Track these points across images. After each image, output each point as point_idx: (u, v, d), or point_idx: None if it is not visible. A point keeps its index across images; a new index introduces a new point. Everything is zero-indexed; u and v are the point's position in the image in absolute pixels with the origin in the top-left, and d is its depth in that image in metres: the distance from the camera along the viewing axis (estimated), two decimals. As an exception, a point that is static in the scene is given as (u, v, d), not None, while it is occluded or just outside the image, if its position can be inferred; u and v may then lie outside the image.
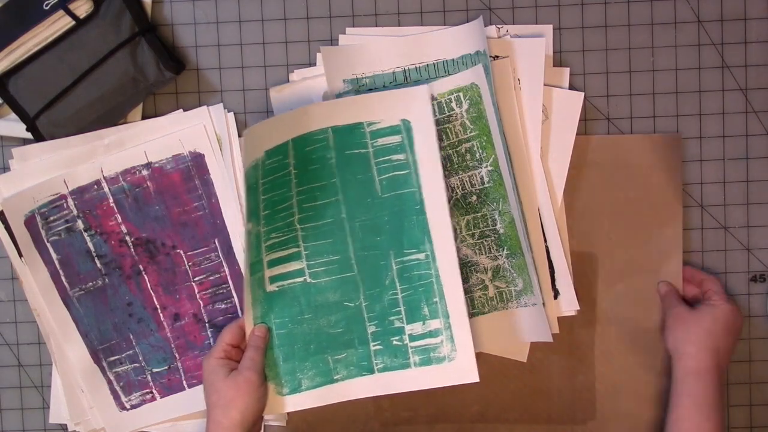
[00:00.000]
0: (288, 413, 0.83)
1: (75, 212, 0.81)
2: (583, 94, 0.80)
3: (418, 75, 0.79)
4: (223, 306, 0.82)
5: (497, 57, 0.79)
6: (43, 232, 0.81)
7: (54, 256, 0.81)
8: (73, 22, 0.78)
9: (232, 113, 0.81)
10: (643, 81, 0.81)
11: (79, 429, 0.83)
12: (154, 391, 0.83)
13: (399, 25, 0.81)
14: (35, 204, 0.81)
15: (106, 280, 0.82)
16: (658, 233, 0.81)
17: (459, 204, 0.80)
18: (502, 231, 0.79)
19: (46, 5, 0.78)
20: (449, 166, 0.79)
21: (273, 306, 0.76)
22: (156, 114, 0.82)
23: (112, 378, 0.83)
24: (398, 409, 0.83)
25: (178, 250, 0.82)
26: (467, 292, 0.80)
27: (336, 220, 0.75)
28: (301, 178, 0.75)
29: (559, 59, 0.81)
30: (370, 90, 0.79)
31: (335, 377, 0.75)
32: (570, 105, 0.80)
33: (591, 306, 0.81)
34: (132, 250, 0.82)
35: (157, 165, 0.81)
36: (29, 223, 0.81)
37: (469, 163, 0.79)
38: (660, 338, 0.80)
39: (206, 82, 0.82)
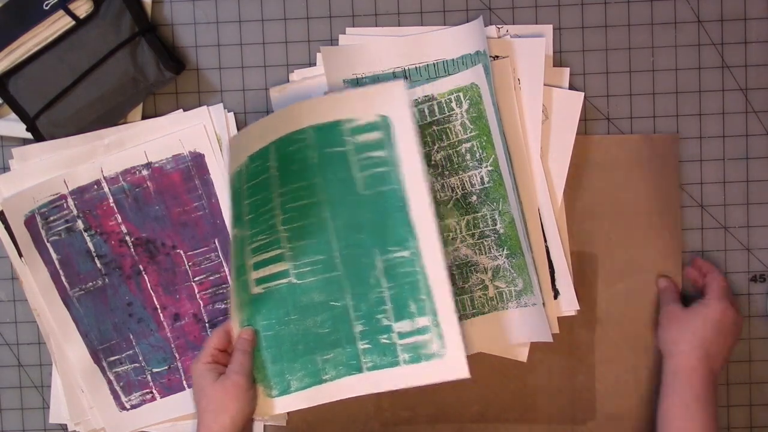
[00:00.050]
0: (288, 413, 0.83)
1: (75, 212, 0.81)
2: (583, 94, 0.80)
3: (418, 75, 0.79)
4: (223, 306, 0.82)
5: (497, 57, 0.79)
6: (43, 232, 0.81)
7: (54, 256, 0.81)
8: (73, 22, 0.78)
9: (232, 113, 0.81)
10: (643, 81, 0.81)
11: (79, 429, 0.83)
12: (154, 391, 0.83)
13: (399, 25, 0.81)
14: (35, 204, 0.81)
15: (106, 280, 0.82)
16: (658, 233, 0.81)
17: (459, 204, 0.80)
18: (502, 231, 0.79)
19: (46, 5, 0.78)
20: (449, 166, 0.79)
21: (259, 308, 0.75)
22: (156, 114, 0.82)
23: (112, 378, 0.83)
24: (398, 409, 0.83)
25: (178, 250, 0.82)
26: (467, 292, 0.80)
27: (319, 220, 0.74)
28: (283, 180, 0.74)
29: (559, 59, 0.81)
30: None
31: (324, 377, 0.74)
32: (570, 105, 0.80)
33: (591, 306, 0.81)
34: (132, 250, 0.82)
35: (157, 165, 0.81)
36: (29, 223, 0.81)
37: (469, 163, 0.79)
38: (654, 336, 0.80)
39: (206, 82, 0.82)
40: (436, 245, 0.72)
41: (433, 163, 0.79)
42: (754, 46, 0.80)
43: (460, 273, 0.80)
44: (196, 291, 0.82)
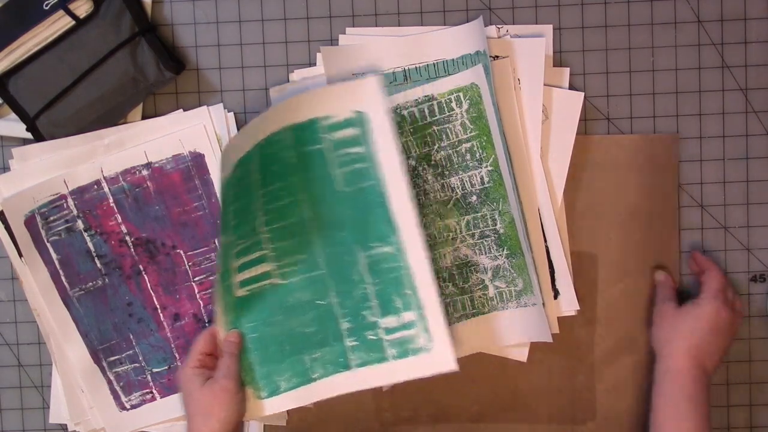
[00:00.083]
0: (288, 414, 0.83)
1: (75, 212, 0.81)
2: (583, 94, 0.80)
3: (418, 75, 0.79)
4: (223, 306, 0.82)
5: (497, 57, 0.79)
6: (43, 232, 0.81)
7: (54, 256, 0.81)
8: (73, 22, 0.78)
9: (232, 113, 0.81)
10: (643, 81, 0.81)
11: (79, 429, 0.83)
12: (154, 391, 0.83)
13: (399, 25, 0.81)
14: (35, 204, 0.81)
15: (106, 280, 0.82)
16: (657, 233, 0.81)
17: (459, 204, 0.80)
18: (502, 231, 0.79)
19: (46, 5, 0.78)
20: (449, 166, 0.79)
21: (244, 311, 0.75)
22: (156, 114, 0.82)
23: (112, 378, 0.83)
24: (398, 409, 0.83)
25: (178, 250, 0.82)
26: (467, 292, 0.80)
27: (300, 220, 0.74)
28: (264, 182, 0.74)
29: (559, 59, 0.81)
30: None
31: (313, 376, 0.74)
32: (570, 105, 0.80)
33: (591, 306, 0.81)
34: (132, 250, 0.82)
35: (157, 165, 0.81)
36: (29, 223, 0.81)
37: (469, 163, 0.79)
38: (648, 334, 0.80)
39: (206, 82, 0.82)
40: (418, 239, 0.71)
41: (433, 163, 0.79)
42: (754, 46, 0.80)
43: (460, 273, 0.80)
44: (196, 291, 0.82)
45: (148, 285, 0.82)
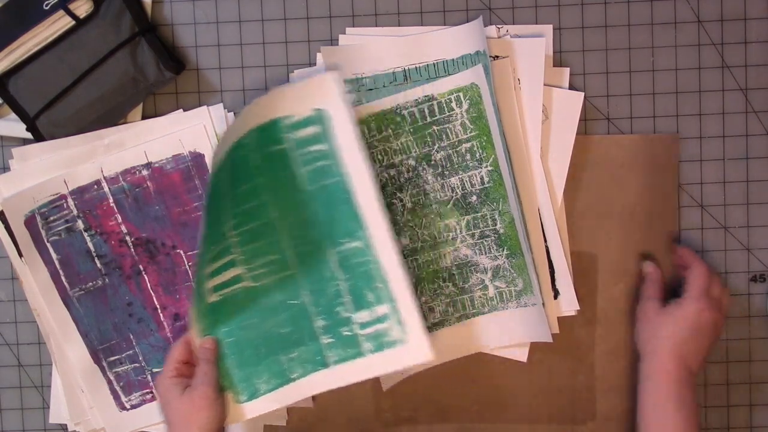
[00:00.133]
0: (288, 414, 0.83)
1: (75, 212, 0.81)
2: (583, 94, 0.80)
3: (418, 75, 0.79)
4: (223, 306, 0.82)
5: (497, 57, 0.79)
6: (43, 232, 0.81)
7: (54, 256, 0.81)
8: (73, 22, 0.78)
9: (232, 113, 0.81)
10: (643, 81, 0.81)
11: (79, 429, 0.83)
12: (155, 391, 0.83)
13: (399, 25, 0.81)
14: (35, 204, 0.81)
15: (106, 280, 0.82)
16: (657, 233, 0.81)
17: (459, 204, 0.80)
18: (502, 231, 0.79)
19: (46, 5, 0.78)
20: (449, 166, 0.79)
21: (218, 316, 0.75)
22: (156, 114, 0.82)
23: (112, 378, 0.83)
24: (398, 409, 0.83)
25: (178, 250, 0.82)
26: (467, 292, 0.80)
27: (267, 221, 0.74)
28: (232, 186, 0.73)
29: (559, 59, 0.81)
30: (370, 90, 0.79)
31: (291, 377, 0.74)
32: (570, 105, 0.80)
33: (591, 306, 0.81)
34: (132, 250, 0.82)
35: (157, 165, 0.81)
36: (29, 223, 0.81)
37: (469, 163, 0.79)
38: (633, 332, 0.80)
39: (206, 82, 0.82)
40: (386, 232, 0.71)
41: (433, 163, 0.79)
42: (754, 46, 0.80)
43: (460, 273, 0.80)
44: (196, 291, 0.82)
45: (148, 285, 0.82)
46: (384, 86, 0.79)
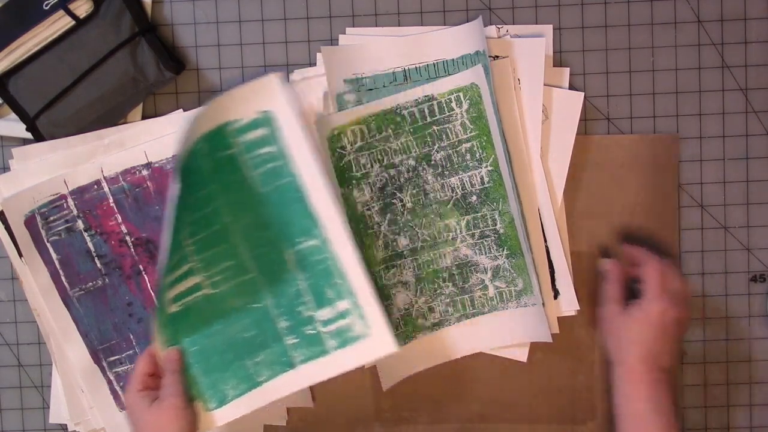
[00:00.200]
0: (288, 414, 0.83)
1: (75, 212, 0.81)
2: (583, 94, 0.80)
3: (418, 75, 0.79)
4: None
5: (497, 57, 0.79)
6: (43, 232, 0.81)
7: (54, 256, 0.81)
8: (73, 22, 0.78)
9: (232, 113, 0.81)
10: (643, 81, 0.81)
11: (79, 429, 0.83)
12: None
13: (399, 25, 0.81)
14: (35, 204, 0.81)
15: (106, 280, 0.82)
16: (657, 233, 0.81)
17: (459, 204, 0.80)
18: (502, 231, 0.79)
19: (46, 5, 0.78)
20: (449, 166, 0.79)
21: (180, 326, 0.75)
22: (156, 114, 0.82)
23: (112, 378, 0.83)
24: (398, 409, 0.83)
25: (178, 250, 0.82)
26: (467, 292, 0.80)
27: (222, 226, 0.74)
28: (186, 195, 0.73)
29: (559, 59, 0.81)
30: (370, 90, 0.79)
31: (259, 380, 0.74)
32: (570, 105, 0.80)
33: (591, 306, 0.81)
34: (132, 250, 0.82)
35: (157, 165, 0.81)
36: (29, 223, 0.81)
37: (469, 163, 0.79)
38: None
39: (206, 82, 0.82)
40: (341, 228, 0.72)
41: (433, 163, 0.79)
42: (754, 46, 0.80)
43: (460, 273, 0.80)
44: (196, 291, 0.82)
45: (148, 285, 0.82)
46: (384, 86, 0.79)
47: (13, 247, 0.81)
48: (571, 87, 0.80)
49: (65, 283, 0.82)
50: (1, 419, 0.85)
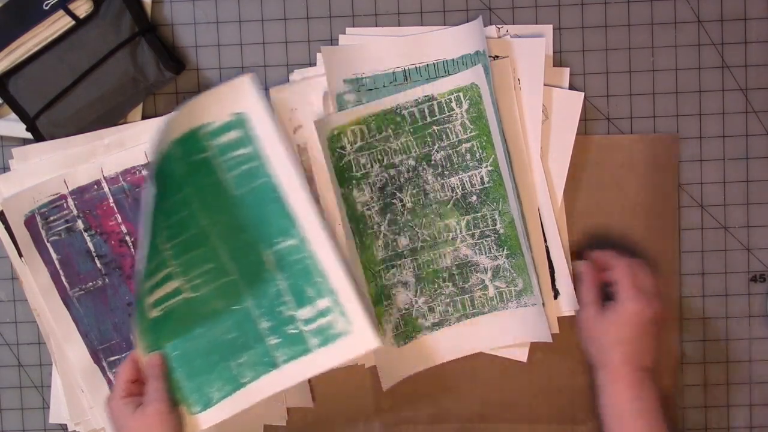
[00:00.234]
0: (288, 414, 0.83)
1: (75, 212, 0.81)
2: (583, 94, 0.80)
3: (418, 75, 0.79)
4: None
5: (497, 57, 0.79)
6: (43, 232, 0.81)
7: (54, 256, 0.81)
8: (73, 22, 0.78)
9: (232, 113, 0.81)
10: (643, 81, 0.81)
11: (79, 429, 0.83)
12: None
13: (399, 25, 0.81)
14: (35, 204, 0.81)
15: (106, 280, 0.82)
16: (657, 233, 0.81)
17: (459, 204, 0.80)
18: (502, 231, 0.79)
19: (46, 5, 0.78)
20: (449, 166, 0.79)
21: (161, 331, 0.75)
22: (156, 114, 0.82)
23: (112, 378, 0.83)
24: (398, 409, 0.83)
25: (178, 250, 0.82)
26: (467, 292, 0.80)
27: (199, 230, 0.74)
28: (161, 200, 0.73)
29: (559, 59, 0.81)
30: (370, 90, 0.79)
31: (243, 381, 0.74)
32: (570, 105, 0.80)
33: (591, 306, 0.81)
34: (132, 250, 0.82)
35: (157, 165, 0.81)
36: (29, 223, 0.81)
37: (469, 163, 0.79)
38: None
39: (206, 82, 0.82)
40: (319, 226, 0.72)
41: (433, 163, 0.79)
42: (754, 46, 0.80)
43: (460, 273, 0.80)
44: (196, 291, 0.82)
45: (148, 285, 0.82)
46: (384, 86, 0.79)
47: (13, 247, 0.81)
48: (571, 87, 0.80)
49: (65, 283, 0.82)
50: (1, 419, 0.85)
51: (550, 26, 0.80)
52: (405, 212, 0.80)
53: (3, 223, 0.81)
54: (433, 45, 0.79)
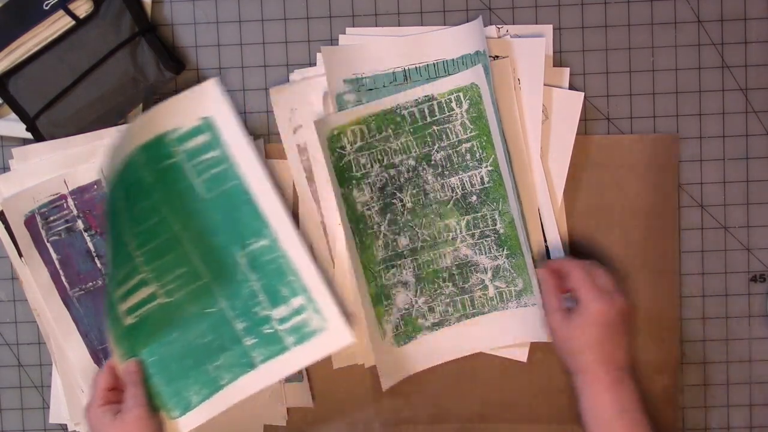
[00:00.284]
0: (288, 414, 0.83)
1: (75, 212, 0.81)
2: (583, 94, 0.80)
3: (418, 75, 0.79)
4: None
5: (497, 57, 0.79)
6: (43, 232, 0.81)
7: (54, 256, 0.81)
8: (73, 22, 0.78)
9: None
10: (643, 81, 0.81)
11: (79, 429, 0.83)
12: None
13: (399, 25, 0.81)
14: (35, 204, 0.81)
15: (107, 280, 0.82)
16: (657, 233, 0.81)
17: (459, 204, 0.80)
18: (502, 231, 0.79)
19: (46, 5, 0.78)
20: (449, 166, 0.79)
21: (137, 337, 0.75)
22: (156, 114, 0.82)
23: (112, 378, 0.83)
24: (398, 409, 0.83)
25: (177, 250, 0.82)
26: (467, 292, 0.80)
27: (171, 235, 0.75)
28: (129, 206, 0.74)
29: (559, 59, 0.81)
30: (370, 90, 0.79)
31: (221, 383, 0.75)
32: (570, 105, 0.80)
33: (591, 306, 0.81)
34: (132, 250, 0.82)
35: (157, 165, 0.81)
36: (29, 223, 0.81)
37: (469, 163, 0.79)
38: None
39: (206, 82, 0.82)
40: (289, 225, 0.74)
41: (433, 163, 0.79)
42: (754, 46, 0.80)
43: (460, 273, 0.80)
44: (196, 291, 0.82)
45: (148, 285, 0.82)
46: (384, 86, 0.79)
47: (13, 247, 0.81)
48: (571, 87, 0.80)
49: (65, 283, 0.82)
50: (1, 419, 0.85)
51: (550, 26, 0.80)
52: (405, 212, 0.80)
53: (3, 223, 0.81)
54: (433, 45, 0.79)
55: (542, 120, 0.79)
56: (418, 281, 0.80)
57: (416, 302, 0.80)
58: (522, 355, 0.81)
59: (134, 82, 0.79)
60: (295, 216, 0.81)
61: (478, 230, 0.80)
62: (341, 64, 0.79)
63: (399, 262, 0.80)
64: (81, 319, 0.82)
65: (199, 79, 0.82)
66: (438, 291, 0.80)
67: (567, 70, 0.80)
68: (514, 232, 0.79)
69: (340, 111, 0.79)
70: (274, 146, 0.81)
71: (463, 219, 0.80)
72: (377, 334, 0.79)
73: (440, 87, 0.78)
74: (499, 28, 0.80)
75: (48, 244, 0.81)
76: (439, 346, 0.81)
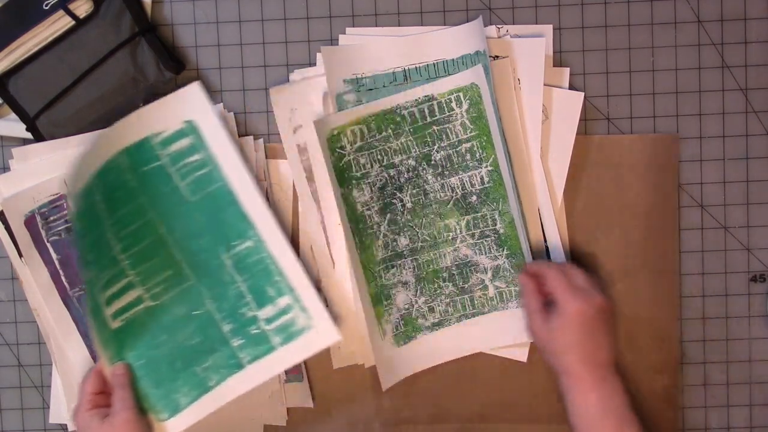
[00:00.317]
0: (288, 414, 0.82)
1: (75, 212, 0.81)
2: (583, 94, 0.80)
3: (418, 75, 0.79)
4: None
5: (497, 57, 0.79)
6: (43, 232, 0.81)
7: (54, 256, 0.81)
8: (73, 22, 0.78)
9: (232, 113, 0.81)
10: (643, 81, 0.81)
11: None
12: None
13: (399, 25, 0.81)
14: (35, 204, 0.81)
15: (106, 280, 0.82)
16: (657, 233, 0.81)
17: (459, 204, 0.80)
18: (502, 231, 0.79)
19: (46, 5, 0.78)
20: (449, 166, 0.79)
21: (124, 341, 0.75)
22: (156, 114, 0.82)
23: (112, 378, 0.82)
24: (398, 409, 0.83)
25: (177, 250, 0.82)
26: (467, 292, 0.80)
27: (156, 238, 0.75)
28: (111, 210, 0.74)
29: (559, 59, 0.81)
30: (370, 90, 0.79)
31: (210, 384, 0.75)
32: (570, 105, 0.80)
33: (591, 306, 0.81)
34: (132, 250, 0.82)
35: (156, 165, 0.81)
36: (29, 223, 0.81)
37: (469, 163, 0.79)
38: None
39: (206, 82, 0.82)
40: (274, 226, 0.74)
41: (433, 163, 0.79)
42: (754, 46, 0.80)
43: (460, 273, 0.80)
44: (196, 291, 0.82)
45: (148, 285, 0.82)
46: (384, 86, 0.79)
47: (13, 247, 0.81)
48: (571, 87, 0.80)
49: (65, 283, 0.82)
50: (1, 419, 0.85)
51: (550, 26, 0.80)
52: (405, 212, 0.80)
53: (3, 223, 0.81)
54: (433, 45, 0.79)
55: (542, 120, 0.79)
56: (418, 281, 0.80)
57: (416, 302, 0.80)
58: (522, 355, 0.81)
59: (134, 82, 0.79)
60: (295, 216, 0.81)
61: (478, 230, 0.80)
62: (341, 64, 0.79)
63: (399, 262, 0.80)
64: (81, 319, 0.82)
65: (198, 79, 0.82)
66: (438, 291, 0.80)
67: (567, 70, 0.80)
68: (514, 232, 0.79)
69: (339, 111, 0.79)
70: (274, 146, 0.81)
71: (463, 219, 0.80)
72: (377, 334, 0.79)
73: (440, 87, 0.78)
74: (499, 28, 0.80)
75: (48, 244, 0.81)
76: (439, 346, 0.81)
